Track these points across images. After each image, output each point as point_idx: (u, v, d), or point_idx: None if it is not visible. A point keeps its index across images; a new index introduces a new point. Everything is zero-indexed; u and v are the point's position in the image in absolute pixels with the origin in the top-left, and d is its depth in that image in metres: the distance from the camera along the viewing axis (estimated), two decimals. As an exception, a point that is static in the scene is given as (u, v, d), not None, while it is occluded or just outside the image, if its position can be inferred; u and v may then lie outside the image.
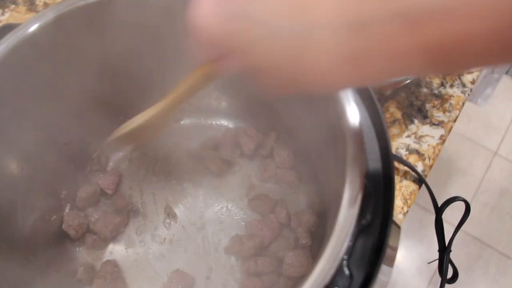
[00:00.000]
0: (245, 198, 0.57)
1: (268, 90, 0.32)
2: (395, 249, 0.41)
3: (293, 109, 0.50)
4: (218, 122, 0.62)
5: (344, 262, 0.32)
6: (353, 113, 0.37)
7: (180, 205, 0.58)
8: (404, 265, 1.37)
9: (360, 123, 0.37)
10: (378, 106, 0.41)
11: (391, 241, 0.37)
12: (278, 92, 0.32)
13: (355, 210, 0.32)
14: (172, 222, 0.56)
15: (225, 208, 0.57)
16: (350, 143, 0.36)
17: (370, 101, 0.41)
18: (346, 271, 0.32)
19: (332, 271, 0.30)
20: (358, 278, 0.34)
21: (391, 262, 0.40)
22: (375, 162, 0.38)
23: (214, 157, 0.58)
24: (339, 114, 0.38)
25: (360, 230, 0.33)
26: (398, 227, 0.39)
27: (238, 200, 0.57)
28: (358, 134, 0.36)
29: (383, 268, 0.37)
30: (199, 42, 0.33)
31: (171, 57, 0.50)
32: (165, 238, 0.56)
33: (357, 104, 0.38)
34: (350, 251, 0.32)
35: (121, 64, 0.50)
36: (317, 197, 0.52)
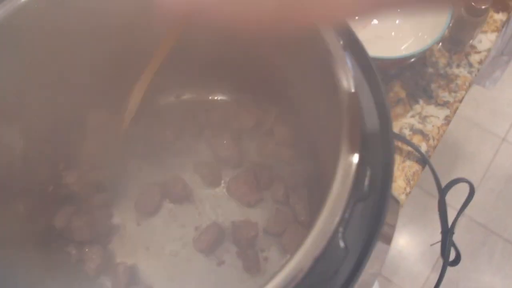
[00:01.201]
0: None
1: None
2: (393, 226, 0.40)
3: (294, 82, 0.48)
4: (218, 98, 0.61)
5: (340, 234, 0.31)
6: (350, 81, 0.36)
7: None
8: (407, 250, 1.36)
9: (356, 91, 0.36)
10: (378, 77, 0.39)
11: (389, 218, 0.36)
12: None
13: (349, 179, 0.31)
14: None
15: (222, 184, 0.57)
16: (345, 112, 0.35)
17: (371, 74, 0.39)
18: (341, 244, 0.31)
19: (323, 242, 0.29)
20: (354, 251, 0.33)
21: (388, 240, 0.39)
22: (373, 132, 0.37)
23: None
24: (336, 83, 0.36)
25: (357, 202, 0.32)
26: (397, 202, 0.38)
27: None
28: (354, 103, 0.35)
29: (380, 245, 0.36)
30: None
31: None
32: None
33: (357, 75, 0.37)
34: (345, 224, 0.31)
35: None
36: (316, 173, 0.51)
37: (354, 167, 0.32)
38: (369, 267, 0.34)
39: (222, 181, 0.56)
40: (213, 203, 0.55)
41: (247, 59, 0.50)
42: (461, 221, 1.25)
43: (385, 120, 0.37)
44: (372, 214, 0.34)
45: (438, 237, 1.25)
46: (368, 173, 0.34)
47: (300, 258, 0.28)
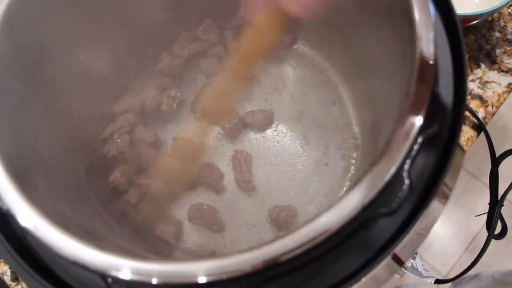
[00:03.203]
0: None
1: None
2: (450, 189, 0.38)
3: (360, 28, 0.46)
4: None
5: (406, 167, 0.29)
6: (428, 25, 0.34)
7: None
8: (442, 228, 1.33)
9: (435, 36, 0.33)
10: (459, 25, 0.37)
11: (448, 178, 0.34)
12: None
13: (421, 114, 0.29)
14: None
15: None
16: (421, 52, 0.32)
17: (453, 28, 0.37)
18: (407, 181, 0.30)
19: (389, 173, 0.28)
20: (417, 190, 0.32)
21: (444, 200, 0.38)
22: (446, 77, 0.34)
23: None
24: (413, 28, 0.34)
25: (425, 140, 0.30)
26: (463, 150, 0.36)
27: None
28: (431, 46, 0.33)
29: (435, 204, 0.34)
30: None
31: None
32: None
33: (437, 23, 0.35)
34: (412, 160, 0.30)
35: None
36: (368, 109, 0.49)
37: (426, 104, 0.30)
38: (419, 225, 0.33)
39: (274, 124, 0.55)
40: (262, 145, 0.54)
41: None
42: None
43: (459, 63, 0.35)
44: (439, 155, 0.32)
45: (476, 218, 1.20)
46: (440, 112, 0.32)
47: (366, 186, 0.27)
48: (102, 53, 0.49)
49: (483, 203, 1.27)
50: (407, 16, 0.33)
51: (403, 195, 0.30)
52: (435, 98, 0.32)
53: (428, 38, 0.31)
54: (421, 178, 0.32)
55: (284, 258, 0.28)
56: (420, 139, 0.30)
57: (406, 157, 0.29)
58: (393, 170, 0.28)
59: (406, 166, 0.30)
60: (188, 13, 0.55)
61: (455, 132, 0.32)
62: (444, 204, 0.35)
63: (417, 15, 0.32)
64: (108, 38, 0.49)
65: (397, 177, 0.29)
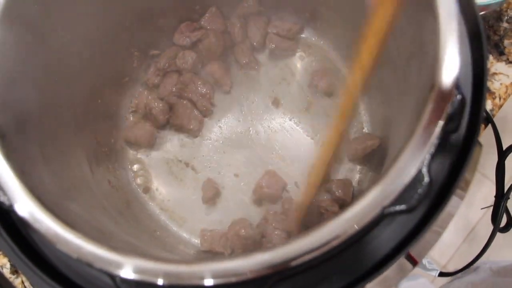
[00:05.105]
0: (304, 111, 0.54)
1: None
2: (468, 182, 0.37)
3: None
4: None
5: (426, 162, 0.28)
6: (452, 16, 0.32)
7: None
8: (440, 219, 1.33)
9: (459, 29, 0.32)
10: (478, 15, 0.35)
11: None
12: None
13: (446, 106, 0.28)
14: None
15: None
16: (442, 47, 0.31)
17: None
18: (426, 177, 0.29)
19: (413, 170, 0.27)
20: (436, 187, 0.31)
21: (461, 195, 0.36)
22: (465, 68, 0.33)
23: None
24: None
25: (446, 134, 0.29)
26: (481, 145, 0.35)
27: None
28: (453, 40, 0.31)
29: (453, 198, 0.33)
30: None
31: None
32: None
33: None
34: (432, 155, 0.29)
35: None
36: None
37: (451, 97, 0.29)
38: (436, 222, 0.32)
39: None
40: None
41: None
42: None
43: (477, 52, 0.34)
44: (459, 150, 0.31)
45: (475, 209, 1.20)
46: (460, 106, 0.31)
47: (386, 184, 0.26)
48: (104, 46, 0.48)
49: (482, 194, 1.27)
50: (428, 5, 0.32)
51: (422, 192, 0.29)
52: (456, 89, 0.30)
53: (451, 28, 0.30)
54: (440, 174, 0.31)
55: (298, 261, 0.27)
56: (441, 134, 0.29)
57: (427, 151, 0.28)
58: (416, 166, 0.27)
59: (426, 162, 0.29)
60: (193, 1, 0.53)
61: (475, 127, 0.31)
62: (462, 200, 0.34)
63: (440, 5, 0.31)
64: (110, 28, 0.47)
65: (417, 173, 0.28)
